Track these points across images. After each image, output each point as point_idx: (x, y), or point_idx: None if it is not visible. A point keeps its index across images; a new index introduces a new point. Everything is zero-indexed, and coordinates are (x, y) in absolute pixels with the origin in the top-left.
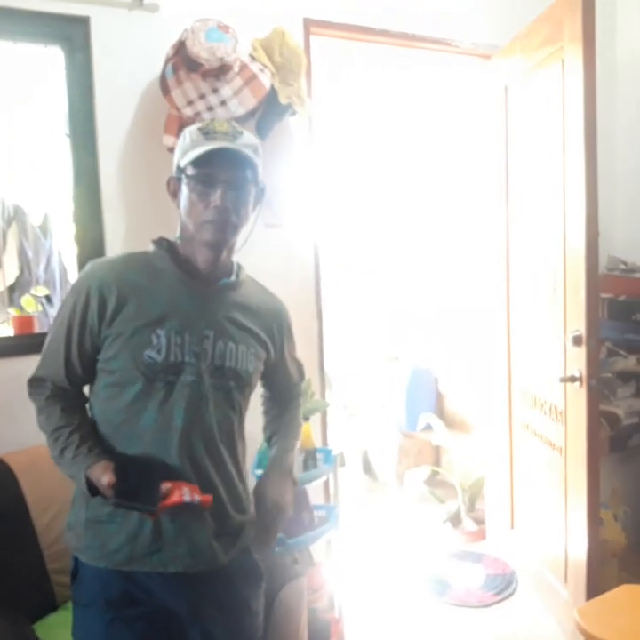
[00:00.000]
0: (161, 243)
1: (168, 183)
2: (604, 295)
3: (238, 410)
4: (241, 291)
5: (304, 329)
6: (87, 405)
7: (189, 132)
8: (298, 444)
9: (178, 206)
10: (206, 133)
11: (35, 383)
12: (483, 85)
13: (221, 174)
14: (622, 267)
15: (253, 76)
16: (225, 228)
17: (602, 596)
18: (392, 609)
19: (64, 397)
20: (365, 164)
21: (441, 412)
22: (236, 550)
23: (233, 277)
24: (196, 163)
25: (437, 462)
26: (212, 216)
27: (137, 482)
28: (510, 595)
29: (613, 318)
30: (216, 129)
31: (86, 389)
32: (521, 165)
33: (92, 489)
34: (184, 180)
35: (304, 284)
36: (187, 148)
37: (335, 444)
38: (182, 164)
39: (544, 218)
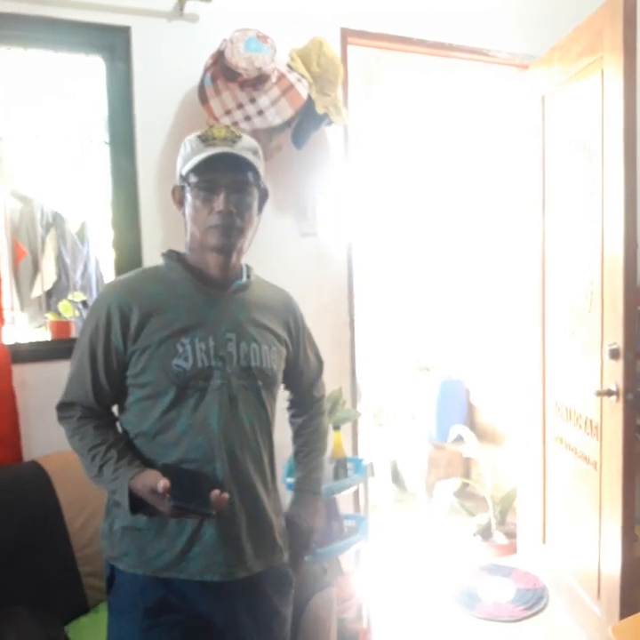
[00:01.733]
0: (171, 255)
1: (173, 193)
2: None
3: (269, 408)
4: (253, 290)
5: (336, 337)
6: (117, 423)
7: (189, 140)
8: (325, 457)
9: (184, 215)
10: (205, 140)
11: (63, 408)
12: (519, 95)
13: (223, 179)
14: None
15: (291, 86)
16: (230, 231)
17: (637, 614)
18: (420, 621)
19: (95, 417)
20: (401, 173)
21: (472, 424)
22: (272, 561)
23: (244, 279)
24: (197, 170)
25: (468, 474)
26: (216, 221)
27: (188, 485)
28: (541, 610)
29: None
30: (214, 135)
31: (114, 408)
32: (558, 176)
33: (134, 505)
34: (187, 188)
35: (337, 292)
36: (188, 157)
37: (365, 454)
38: (184, 173)
39: (581, 229)
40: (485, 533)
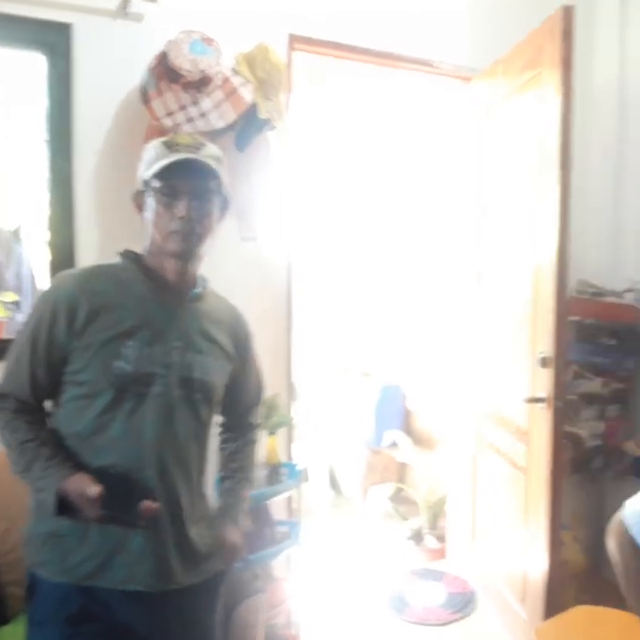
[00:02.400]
0: (128, 255)
1: (133, 197)
2: (572, 318)
3: (205, 423)
4: (206, 301)
5: (274, 343)
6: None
7: (153, 145)
8: (250, 490)
9: (144, 219)
10: (169, 146)
11: None
12: (463, 106)
13: (185, 185)
14: (591, 290)
15: (235, 90)
16: (190, 238)
17: (558, 616)
18: (350, 626)
19: (29, 412)
20: (345, 179)
21: (409, 429)
22: (199, 574)
23: (199, 289)
24: (160, 175)
25: (403, 479)
26: (177, 226)
27: (119, 493)
28: (469, 613)
29: (581, 341)
30: (179, 141)
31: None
32: (497, 187)
33: (61, 505)
34: (149, 193)
35: (276, 297)
36: (151, 162)
37: (301, 459)
38: (147, 177)
39: (517, 240)
40: (418, 538)
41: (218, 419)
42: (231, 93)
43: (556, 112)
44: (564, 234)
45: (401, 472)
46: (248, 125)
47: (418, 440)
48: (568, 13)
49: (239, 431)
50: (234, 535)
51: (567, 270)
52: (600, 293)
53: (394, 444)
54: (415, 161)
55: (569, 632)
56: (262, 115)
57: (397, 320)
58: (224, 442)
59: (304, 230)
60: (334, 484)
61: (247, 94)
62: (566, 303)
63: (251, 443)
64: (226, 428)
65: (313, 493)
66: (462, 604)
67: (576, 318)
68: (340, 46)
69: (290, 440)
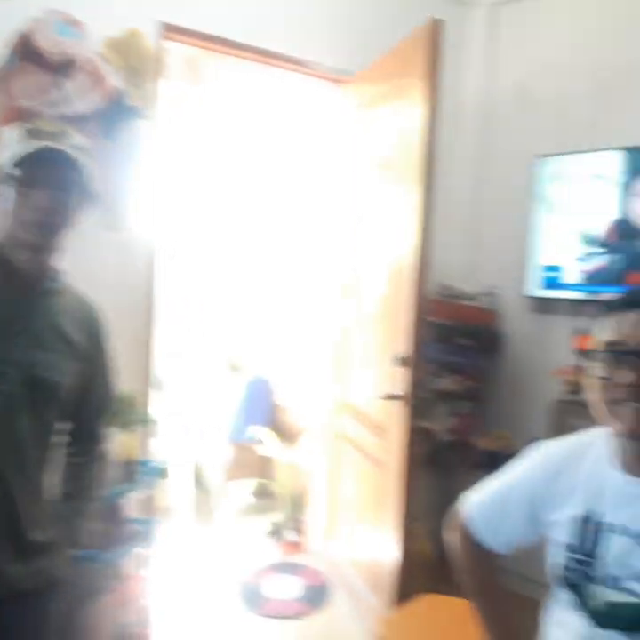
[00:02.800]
0: None
1: None
2: (432, 319)
3: (49, 424)
4: (62, 297)
5: (135, 337)
6: None
7: (15, 131)
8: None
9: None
10: (32, 133)
11: None
12: (337, 109)
13: (46, 175)
14: (450, 293)
15: (101, 75)
16: (47, 229)
17: (405, 606)
18: (206, 623)
19: None
20: (218, 172)
21: (276, 424)
22: (40, 578)
23: (55, 283)
24: (20, 163)
25: (267, 474)
26: (34, 217)
27: None
28: (325, 605)
29: (439, 341)
30: (42, 129)
31: None
32: (368, 188)
33: None
34: (7, 182)
35: (139, 290)
36: (11, 148)
37: (161, 456)
38: (6, 164)
39: (380, 242)
40: (278, 532)
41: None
42: (97, 78)
43: (421, 121)
44: (425, 238)
45: (265, 467)
46: (116, 112)
47: (284, 435)
48: (437, 26)
49: (86, 444)
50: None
51: (426, 273)
52: (458, 296)
53: (258, 439)
54: (292, 160)
55: (412, 620)
56: (131, 102)
57: (267, 315)
58: (70, 454)
59: (173, 222)
60: (198, 480)
61: (114, 80)
62: (425, 305)
63: (97, 460)
64: (73, 436)
65: (174, 490)
66: (318, 596)
67: (436, 319)
68: (213, 39)
69: (148, 437)
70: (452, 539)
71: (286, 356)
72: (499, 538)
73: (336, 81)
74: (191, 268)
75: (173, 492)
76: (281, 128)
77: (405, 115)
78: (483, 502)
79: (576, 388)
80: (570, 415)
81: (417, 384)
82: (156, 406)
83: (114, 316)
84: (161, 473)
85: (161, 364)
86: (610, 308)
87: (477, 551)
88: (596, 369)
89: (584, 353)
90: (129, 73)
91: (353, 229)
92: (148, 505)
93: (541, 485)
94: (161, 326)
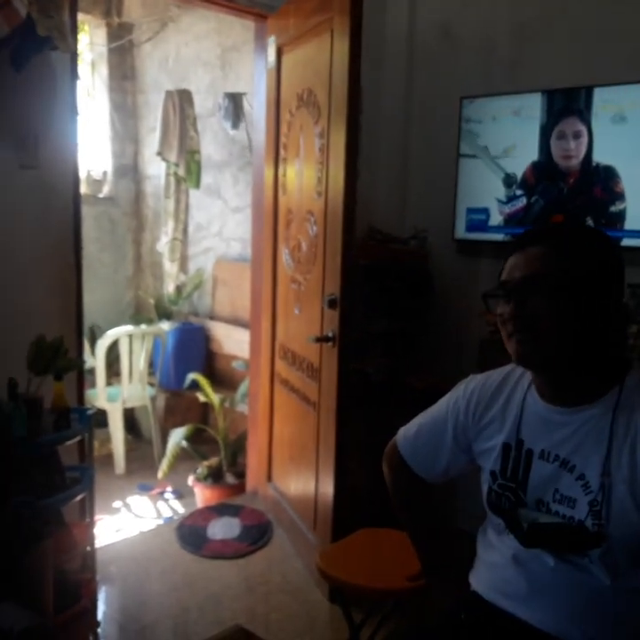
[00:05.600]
0: None
1: None
2: (361, 262)
3: None
4: None
5: (60, 280)
6: None
7: None
8: None
9: None
10: None
11: None
12: (260, 45)
13: None
14: (379, 236)
15: (6, 2)
16: None
17: (342, 540)
18: (148, 565)
19: None
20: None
21: (210, 370)
22: None
23: None
24: None
25: (205, 420)
26: None
27: None
28: (265, 544)
29: (369, 283)
30: None
31: None
32: (291, 129)
33: None
34: None
35: (62, 231)
36: None
37: (94, 404)
38: None
39: (309, 181)
40: (217, 475)
41: None
42: (2, 5)
43: (344, 57)
44: (352, 177)
45: (203, 413)
46: (25, 43)
47: (219, 381)
48: None
49: None
50: None
51: (354, 214)
52: (388, 239)
53: (194, 386)
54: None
55: (350, 553)
56: (41, 32)
57: (196, 260)
58: None
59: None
60: (134, 427)
61: (21, 8)
62: (354, 247)
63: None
64: None
65: (110, 438)
66: (258, 535)
67: (365, 262)
68: None
69: (80, 384)
70: (387, 470)
71: (219, 302)
72: (430, 468)
73: (258, 16)
74: (121, 208)
75: (109, 440)
76: (202, 63)
77: (328, 52)
78: (415, 434)
79: None
80: (496, 353)
81: (347, 326)
82: (89, 353)
83: (35, 258)
84: (96, 419)
85: (94, 311)
86: (508, 248)
87: (411, 481)
88: (497, 307)
89: (487, 293)
90: (37, 0)
91: (277, 168)
92: (85, 452)
93: (469, 416)
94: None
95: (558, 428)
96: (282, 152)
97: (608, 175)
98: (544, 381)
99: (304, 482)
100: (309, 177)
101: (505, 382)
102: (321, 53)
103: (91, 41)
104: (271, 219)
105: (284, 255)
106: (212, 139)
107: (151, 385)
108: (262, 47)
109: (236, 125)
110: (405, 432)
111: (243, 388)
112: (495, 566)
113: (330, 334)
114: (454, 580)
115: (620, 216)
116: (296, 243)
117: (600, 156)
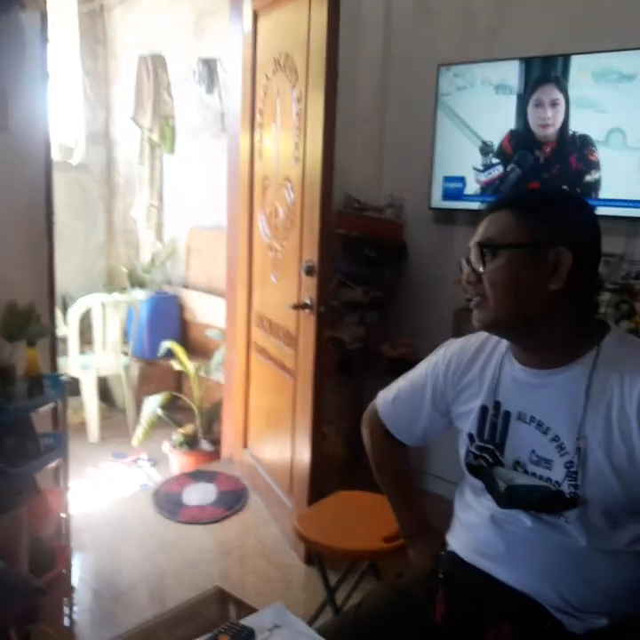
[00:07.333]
0: None
1: None
2: (338, 231)
3: None
4: None
5: (32, 247)
6: None
7: None
8: None
9: None
10: None
11: None
12: (236, 8)
13: None
14: (356, 205)
15: None
16: None
17: (318, 503)
18: (124, 531)
19: None
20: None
21: (185, 339)
22: None
23: None
24: None
25: (179, 388)
26: None
27: None
28: (241, 508)
29: (346, 252)
30: None
31: None
32: (267, 94)
33: None
34: None
35: (32, 196)
36: None
37: (67, 370)
38: None
39: (286, 148)
40: (192, 442)
41: None
42: None
43: (323, 21)
44: (330, 145)
45: (177, 382)
46: None
47: (194, 350)
48: None
49: None
50: None
51: (332, 182)
52: (363, 208)
53: (169, 355)
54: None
55: (326, 515)
56: None
57: (172, 228)
58: None
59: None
60: (107, 396)
61: None
62: (331, 215)
63: None
64: None
65: (84, 406)
66: (234, 500)
67: (342, 231)
68: None
69: (53, 351)
70: (367, 433)
71: (193, 270)
72: (410, 431)
73: None
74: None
75: (82, 408)
76: (176, 27)
77: (306, 15)
78: (394, 398)
79: None
80: (470, 322)
81: (325, 293)
82: (62, 322)
83: (5, 224)
84: (69, 388)
85: (66, 280)
86: (481, 214)
87: (390, 444)
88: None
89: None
90: None
91: (255, 135)
92: (59, 419)
93: (447, 380)
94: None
95: (534, 391)
96: (258, 117)
97: (584, 144)
98: (514, 345)
99: (280, 448)
100: (287, 142)
101: (483, 346)
102: (299, 17)
103: (61, 3)
104: (247, 185)
105: (261, 222)
106: (187, 104)
107: (125, 354)
108: (238, 10)
109: (210, 91)
110: (385, 396)
111: (218, 356)
112: (473, 527)
113: (307, 301)
114: (431, 541)
115: (595, 185)
116: (273, 209)
117: (576, 125)
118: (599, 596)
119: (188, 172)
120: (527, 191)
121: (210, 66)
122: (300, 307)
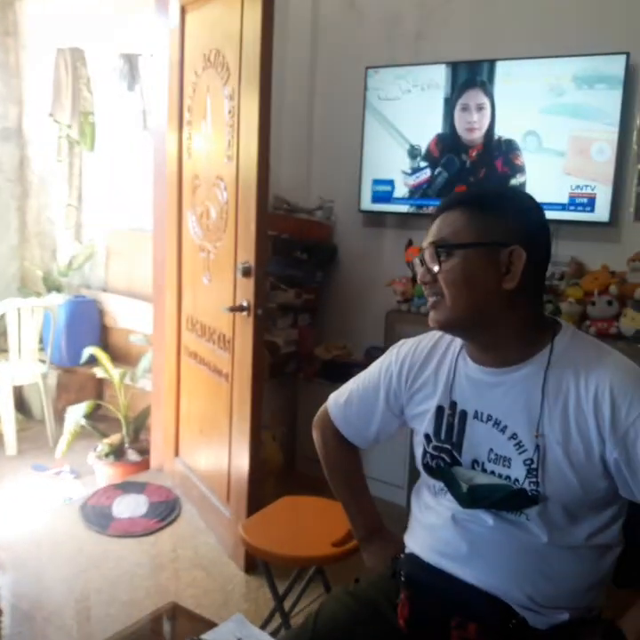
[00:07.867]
0: None
1: None
2: (269, 232)
3: None
4: None
5: None
6: None
7: None
8: None
9: None
10: None
11: None
12: (161, 3)
13: None
14: (286, 206)
15: None
16: None
17: (262, 510)
18: (52, 548)
19: None
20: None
21: (106, 346)
22: None
23: None
24: None
25: (101, 397)
26: None
27: None
28: (174, 519)
29: (277, 255)
30: None
31: None
32: (196, 90)
33: None
34: None
35: None
36: None
37: None
38: None
39: (219, 147)
40: (119, 453)
41: None
42: None
43: (256, 20)
44: (264, 144)
45: (99, 390)
46: None
47: (116, 356)
48: None
49: None
50: None
51: (268, 182)
52: (293, 210)
53: (90, 362)
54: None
55: (272, 522)
56: None
57: (96, 230)
58: None
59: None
60: (24, 406)
61: None
62: (267, 215)
63: None
64: None
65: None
66: (166, 511)
67: (273, 233)
68: None
69: None
70: (318, 437)
71: (115, 274)
72: (362, 433)
73: None
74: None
75: None
76: (96, 20)
77: (236, 11)
78: (346, 400)
79: (408, 298)
80: (402, 324)
81: (262, 295)
82: None
83: None
84: None
85: None
86: (432, 214)
87: (342, 447)
88: None
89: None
90: None
91: (183, 134)
92: None
93: (401, 381)
94: None
95: (490, 389)
96: (187, 115)
97: (509, 148)
98: (469, 344)
99: (216, 455)
100: (218, 141)
101: (436, 346)
102: (230, 14)
103: None
104: (175, 185)
105: (191, 223)
106: (108, 101)
107: (42, 362)
108: (163, 4)
109: (131, 87)
110: (336, 398)
111: (144, 362)
112: (433, 527)
113: (244, 304)
114: (387, 544)
115: (521, 189)
116: (204, 209)
117: (501, 130)
118: (561, 591)
119: (108, 171)
120: (478, 190)
121: (131, 61)
122: (236, 309)
